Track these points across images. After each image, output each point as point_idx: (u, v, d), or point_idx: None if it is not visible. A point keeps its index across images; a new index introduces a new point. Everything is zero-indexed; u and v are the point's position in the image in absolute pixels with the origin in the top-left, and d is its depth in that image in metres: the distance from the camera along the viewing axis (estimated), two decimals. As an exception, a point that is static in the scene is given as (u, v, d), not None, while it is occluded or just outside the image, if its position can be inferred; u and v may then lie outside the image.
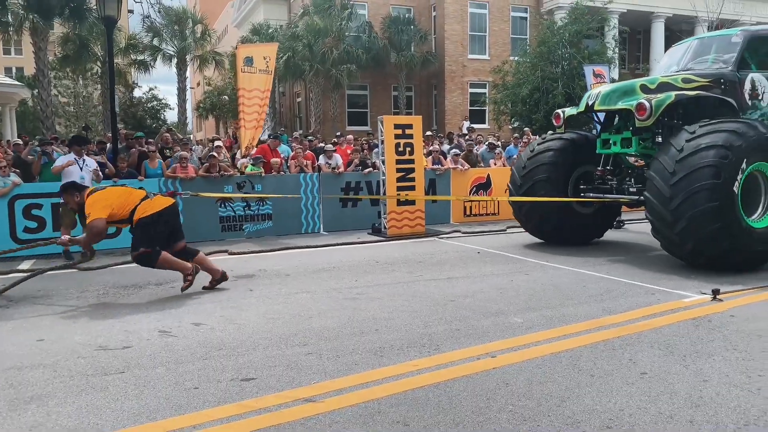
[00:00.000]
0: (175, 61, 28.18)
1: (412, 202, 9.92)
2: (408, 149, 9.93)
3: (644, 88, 7.36)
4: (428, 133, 15.00)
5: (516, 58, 22.83)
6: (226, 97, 33.69)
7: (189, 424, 3.04)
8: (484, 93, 26.80)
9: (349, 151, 12.18)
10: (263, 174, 10.19)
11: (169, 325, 4.84)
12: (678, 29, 27.24)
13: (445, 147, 13.70)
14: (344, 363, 3.87)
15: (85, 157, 8.59)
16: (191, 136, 29.83)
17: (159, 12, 24.92)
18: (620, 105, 7.38)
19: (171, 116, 43.51)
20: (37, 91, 21.65)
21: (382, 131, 9.94)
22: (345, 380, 3.57)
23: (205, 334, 4.58)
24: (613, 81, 15.54)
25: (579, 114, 8.25)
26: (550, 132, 9.14)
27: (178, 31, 27.67)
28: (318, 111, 26.98)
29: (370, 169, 11.07)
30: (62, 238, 6.31)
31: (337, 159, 11.20)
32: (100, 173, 8.72)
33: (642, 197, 7.06)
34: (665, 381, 3.49)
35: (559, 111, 8.72)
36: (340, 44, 25.23)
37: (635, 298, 5.48)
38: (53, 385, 3.58)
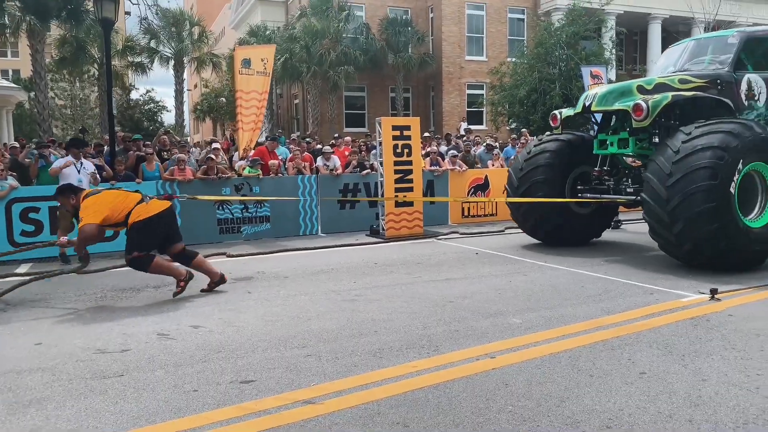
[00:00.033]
0: (172, 63, 28.17)
1: (410, 204, 9.93)
2: (406, 151, 9.93)
3: (641, 89, 7.38)
4: (426, 134, 15.01)
5: (513, 60, 22.87)
6: (224, 99, 33.69)
7: (188, 426, 3.03)
8: (482, 94, 26.83)
9: (347, 153, 12.19)
10: (261, 176, 10.19)
11: (167, 327, 4.83)
12: (675, 30, 27.31)
13: (443, 148, 13.71)
14: (343, 365, 3.87)
15: (83, 160, 8.59)
16: (188, 138, 29.84)
17: (156, 14, 24.91)
18: (617, 106, 7.40)
19: (168, 118, 43.38)
20: (33, 93, 21.62)
21: (380, 133, 9.95)
22: (344, 382, 3.57)
23: (203, 336, 4.58)
24: (610, 82, 15.58)
25: (576, 115, 8.26)
26: (547, 133, 9.15)
27: (176, 33, 27.65)
28: (315, 113, 26.99)
29: (368, 170, 11.07)
30: (60, 240, 6.30)
31: (335, 161, 11.21)
32: (98, 176, 8.71)
33: (639, 198, 7.08)
34: (664, 380, 3.50)
35: (557, 112, 8.74)
36: (338, 46, 25.24)
37: (633, 298, 5.49)
38: (52, 389, 3.58)
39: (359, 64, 25.38)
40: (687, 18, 26.10)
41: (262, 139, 13.05)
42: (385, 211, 9.87)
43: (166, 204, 6.05)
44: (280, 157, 11.29)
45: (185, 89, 30.40)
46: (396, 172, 9.87)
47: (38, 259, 8.19)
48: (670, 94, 7.01)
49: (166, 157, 10.66)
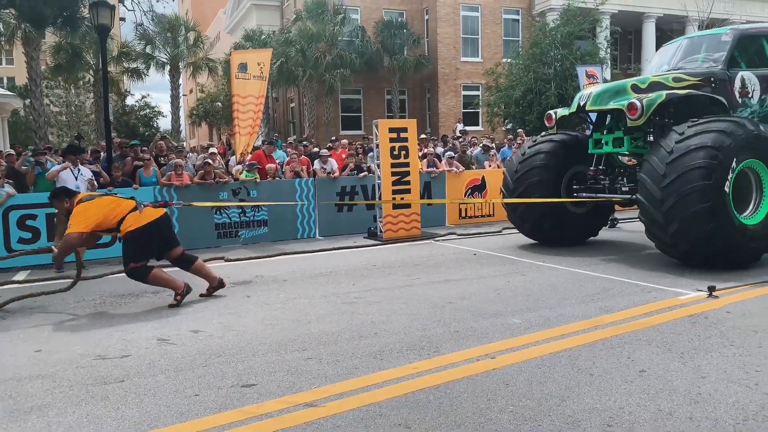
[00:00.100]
0: (168, 68, 28.17)
1: (408, 205, 9.94)
2: (403, 153, 9.95)
3: (635, 88, 7.42)
4: (422, 136, 15.03)
5: (508, 60, 22.92)
6: (219, 103, 33.68)
7: (191, 431, 3.04)
8: (478, 95, 26.88)
9: (344, 156, 12.19)
10: (258, 180, 10.19)
11: (167, 333, 4.83)
12: (669, 29, 27.43)
13: (439, 150, 13.73)
14: (344, 367, 3.88)
15: (80, 166, 8.59)
16: (184, 143, 29.83)
17: (152, 20, 24.92)
18: (611, 105, 7.43)
19: (164, 124, 43.33)
20: (29, 100, 21.56)
21: (377, 135, 9.97)
22: (345, 384, 3.58)
23: (204, 341, 4.58)
24: (605, 81, 15.63)
25: (571, 114, 8.30)
26: (543, 133, 9.18)
27: (171, 39, 27.66)
28: (312, 116, 27.01)
29: (366, 173, 11.08)
30: (41, 247, 6.30)
31: (333, 164, 11.22)
32: (95, 182, 8.70)
33: (634, 197, 7.11)
34: (664, 378, 3.51)
35: (551, 112, 8.77)
36: (333, 49, 25.27)
37: (632, 297, 5.51)
38: (53, 396, 3.57)
39: (355, 67, 25.41)
40: (681, 16, 26.21)
41: (258, 143, 13.05)
42: (382, 213, 9.88)
43: (160, 212, 5.98)
44: (277, 161, 11.30)
45: (181, 94, 30.41)
46: (393, 174, 9.88)
47: (36, 266, 8.18)
48: (664, 93, 7.05)
49: (163, 162, 10.66)
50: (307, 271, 7.39)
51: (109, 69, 18.96)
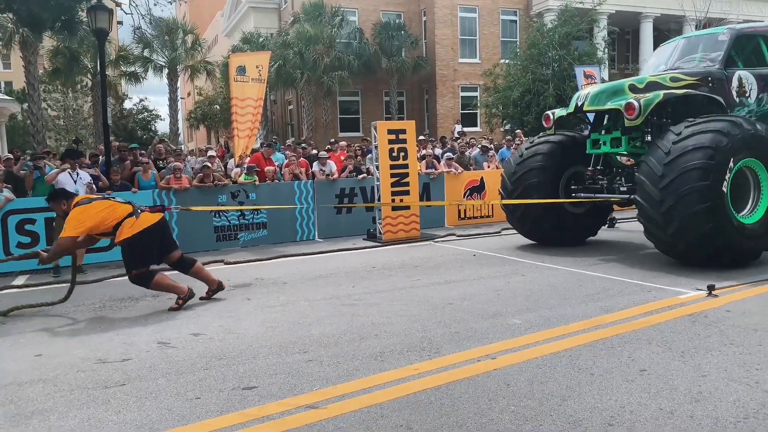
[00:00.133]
0: (165, 71, 28.17)
1: (407, 207, 9.95)
2: (402, 154, 9.96)
3: (633, 88, 7.43)
4: (421, 137, 15.06)
5: (506, 61, 22.95)
6: (218, 106, 33.68)
7: (192, 434, 3.04)
8: (476, 96, 26.92)
9: (342, 158, 12.20)
10: (257, 182, 10.19)
11: (168, 336, 4.83)
12: (666, 29, 27.49)
13: (438, 151, 13.75)
14: (345, 369, 3.88)
15: (79, 170, 8.58)
16: (183, 146, 29.82)
17: (150, 23, 24.90)
18: (609, 105, 7.45)
19: (162, 127, 43.41)
20: (27, 105, 21.56)
21: (375, 137, 9.98)
22: (346, 386, 3.58)
23: (204, 344, 4.58)
24: (603, 81, 15.66)
25: (569, 115, 8.31)
26: (540, 134, 9.19)
27: (169, 42, 27.66)
28: (310, 118, 27.01)
29: (365, 175, 11.09)
30: (27, 253, 6.29)
31: (332, 166, 11.22)
32: (94, 186, 8.70)
33: (633, 197, 7.12)
34: (665, 377, 3.52)
35: (549, 112, 8.78)
36: (331, 51, 25.29)
37: (631, 296, 5.52)
38: (54, 400, 3.57)
39: (353, 69, 25.42)
40: (678, 16, 26.28)
41: (257, 145, 13.06)
42: (381, 214, 9.89)
43: (157, 217, 5.94)
44: (276, 164, 11.31)
45: (179, 97, 30.40)
46: (392, 175, 9.89)
47: (34, 271, 8.16)
48: (661, 93, 7.06)
49: (162, 166, 10.66)
50: (307, 273, 7.39)
51: (107, 72, 18.93)
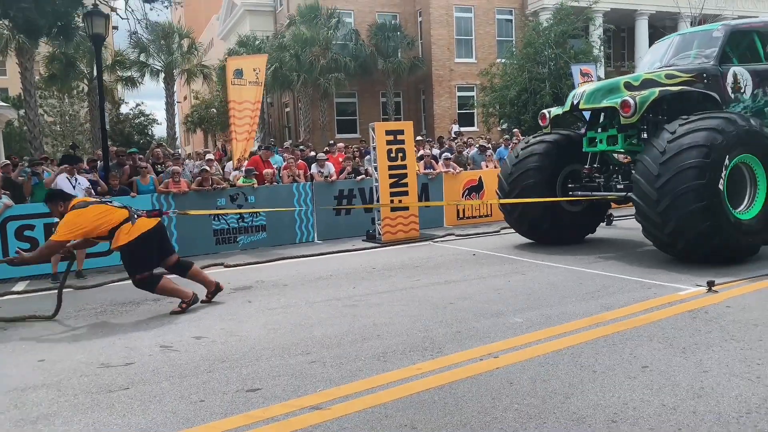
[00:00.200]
0: (162, 76, 28.16)
1: (406, 208, 9.96)
2: (400, 155, 9.97)
3: (628, 86, 7.45)
4: (419, 137, 15.09)
5: (503, 61, 23.00)
6: (214, 110, 33.68)
7: (197, 437, 3.05)
8: (472, 96, 26.96)
9: (340, 159, 12.22)
10: (256, 185, 10.20)
11: (170, 340, 4.83)
12: (661, 26, 27.60)
13: (435, 151, 13.77)
14: (348, 370, 3.89)
15: (77, 176, 8.58)
16: (180, 150, 29.81)
17: (146, 28, 24.90)
18: (605, 103, 7.46)
19: (159, 131, 43.28)
20: (23, 111, 21.53)
21: (373, 138, 9.99)
22: (350, 387, 3.59)
23: (207, 347, 4.58)
24: (599, 79, 15.69)
25: (565, 113, 8.32)
26: (536, 134, 9.21)
27: (165, 46, 27.65)
28: (307, 120, 27.03)
29: (363, 176, 11.11)
30: (14, 255, 6.33)
31: (330, 167, 11.23)
32: (93, 191, 8.69)
33: (629, 194, 7.14)
34: (667, 373, 3.54)
35: (545, 111, 8.79)
36: (327, 53, 25.30)
37: (632, 293, 5.54)
38: (58, 405, 3.57)
39: (349, 71, 25.44)
40: (673, 13, 26.39)
41: (255, 148, 13.07)
42: (380, 215, 9.90)
43: (154, 222, 5.91)
44: (274, 166, 11.32)
45: (176, 101, 30.39)
46: (391, 176, 9.90)
47: (34, 276, 8.16)
48: (657, 90, 7.08)
49: (160, 170, 10.66)
50: (307, 275, 7.40)
51: (103, 78, 18.91)
